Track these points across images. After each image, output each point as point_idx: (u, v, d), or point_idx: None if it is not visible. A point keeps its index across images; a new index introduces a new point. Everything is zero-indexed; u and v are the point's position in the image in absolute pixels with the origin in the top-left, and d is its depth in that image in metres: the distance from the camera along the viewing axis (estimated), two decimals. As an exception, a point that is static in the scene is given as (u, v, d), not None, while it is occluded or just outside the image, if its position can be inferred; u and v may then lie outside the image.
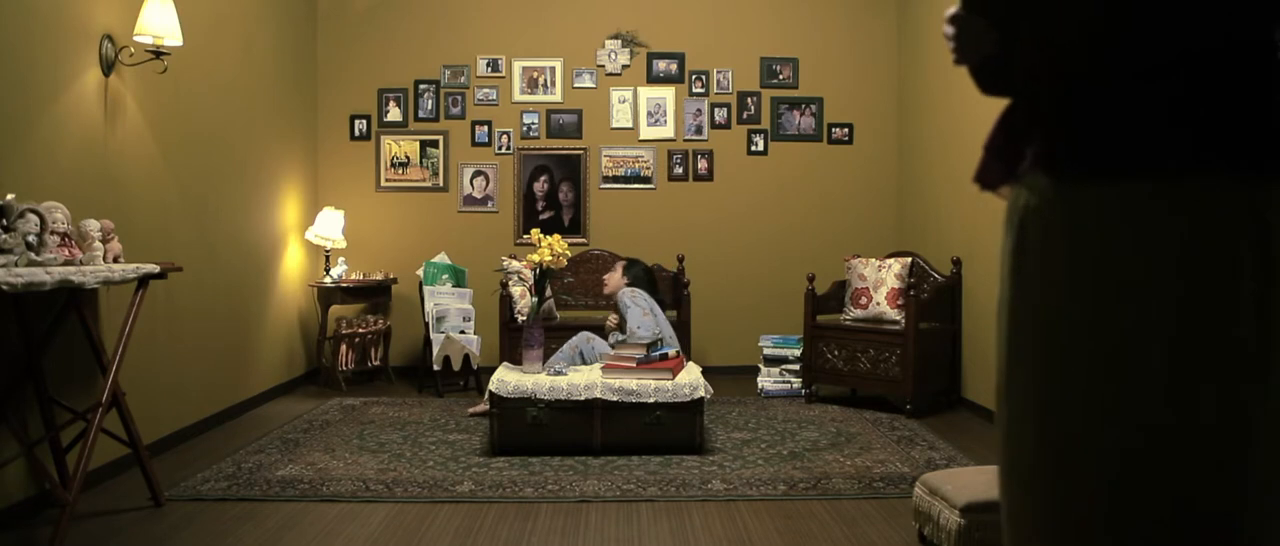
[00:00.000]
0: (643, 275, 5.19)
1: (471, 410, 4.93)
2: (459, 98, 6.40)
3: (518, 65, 6.40)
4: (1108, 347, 1.16)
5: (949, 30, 1.31)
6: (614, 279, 5.19)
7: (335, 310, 5.93)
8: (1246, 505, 1.12)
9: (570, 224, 6.44)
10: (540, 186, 6.45)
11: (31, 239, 2.82)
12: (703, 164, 6.46)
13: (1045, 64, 1.21)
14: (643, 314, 4.73)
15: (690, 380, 4.14)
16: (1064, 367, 1.20)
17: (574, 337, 4.89)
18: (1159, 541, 1.14)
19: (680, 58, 6.44)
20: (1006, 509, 1.28)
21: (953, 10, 1.30)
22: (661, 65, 6.45)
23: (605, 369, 4.30)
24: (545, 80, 6.42)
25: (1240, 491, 1.12)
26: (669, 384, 4.11)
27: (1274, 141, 1.11)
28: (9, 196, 2.86)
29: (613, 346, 4.74)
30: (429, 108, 6.39)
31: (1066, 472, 1.19)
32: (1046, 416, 1.21)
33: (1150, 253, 1.13)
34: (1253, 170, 1.11)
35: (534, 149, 6.43)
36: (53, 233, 2.93)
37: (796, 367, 5.54)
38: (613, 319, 5.03)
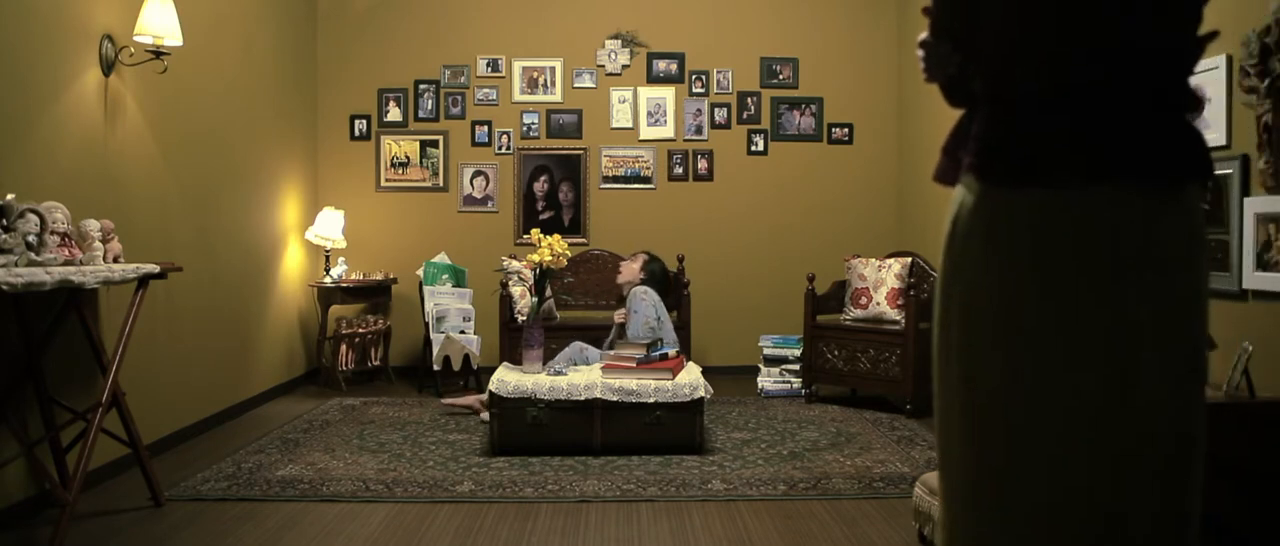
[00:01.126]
0: (659, 274, 5.16)
1: (447, 400, 4.95)
2: (459, 98, 6.40)
3: (518, 65, 6.40)
4: (1014, 327, 1.36)
5: (920, 52, 1.49)
6: (630, 269, 5.15)
7: (335, 310, 5.93)
8: (1133, 460, 1.32)
9: (570, 224, 6.44)
10: (540, 186, 6.45)
11: (31, 239, 2.82)
12: (703, 164, 6.46)
13: (981, 86, 1.42)
14: (645, 322, 4.71)
15: (690, 380, 4.14)
16: (981, 341, 1.39)
17: (567, 349, 4.84)
18: (1053, 496, 1.33)
19: (680, 58, 6.44)
20: (939, 456, 1.50)
21: (923, 35, 1.48)
22: (661, 65, 6.45)
23: (605, 369, 4.30)
24: (545, 80, 6.42)
25: (1125, 445, 1.32)
26: (669, 384, 4.11)
27: (1156, 159, 1.33)
28: (9, 196, 2.86)
29: (608, 349, 4.74)
30: (429, 108, 6.39)
31: (977, 433, 1.40)
32: (965, 384, 1.40)
33: (1055, 247, 1.33)
34: (1139, 181, 1.32)
35: (534, 149, 6.43)
36: (53, 233, 2.93)
37: (796, 367, 5.54)
38: (620, 314, 4.99)
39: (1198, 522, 1.35)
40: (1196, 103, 1.39)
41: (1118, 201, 1.31)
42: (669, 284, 5.24)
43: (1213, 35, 1.43)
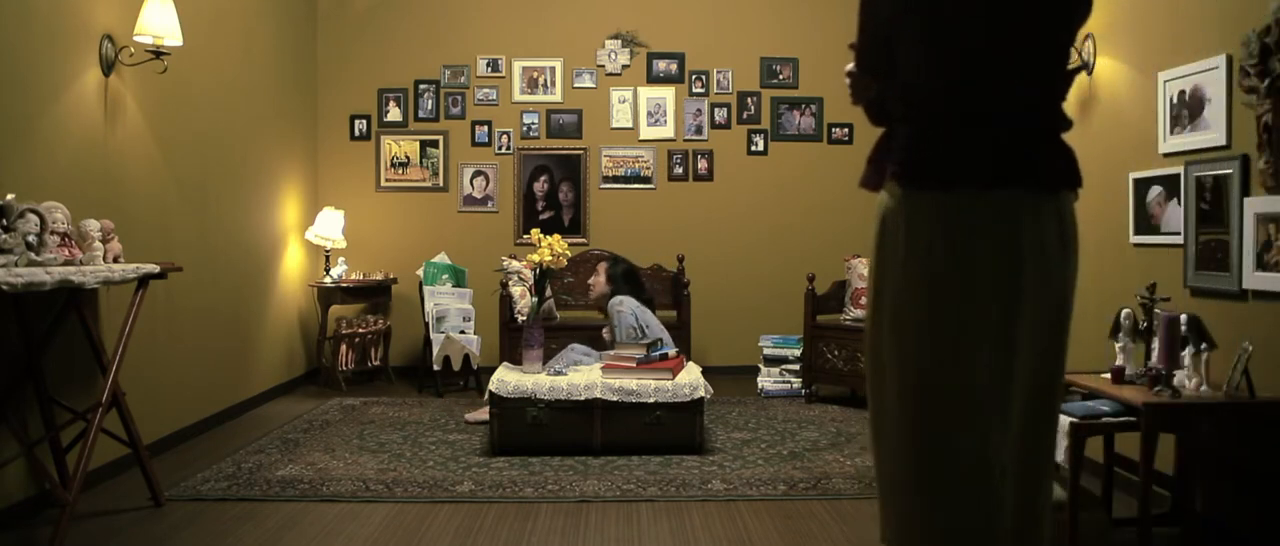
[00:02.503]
0: (624, 275, 5.08)
1: (470, 418, 4.78)
2: (459, 98, 6.40)
3: (518, 65, 6.40)
4: (936, 308, 1.65)
5: (847, 80, 1.83)
6: (598, 282, 5.10)
7: (335, 310, 5.93)
8: (999, 426, 1.65)
9: (570, 224, 6.44)
10: (540, 186, 6.45)
11: (31, 239, 2.82)
12: (703, 164, 6.46)
13: (900, 109, 1.74)
14: (630, 329, 4.68)
15: (690, 380, 4.14)
16: (908, 323, 1.69)
17: (563, 352, 4.81)
18: (936, 446, 1.66)
19: (680, 58, 6.44)
20: (872, 431, 1.84)
21: (849, 67, 1.83)
22: (661, 65, 6.45)
23: (605, 369, 4.30)
24: (545, 80, 6.42)
25: (1017, 391, 1.65)
26: (669, 384, 4.11)
27: (1041, 171, 1.67)
28: (9, 196, 2.86)
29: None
30: (429, 108, 6.39)
31: (910, 404, 1.70)
32: (899, 364, 1.71)
33: (962, 239, 1.64)
34: (1027, 188, 1.65)
35: (534, 149, 6.43)
36: (53, 233, 2.93)
37: (796, 367, 5.54)
38: (607, 331, 4.99)
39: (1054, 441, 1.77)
40: (1068, 123, 1.74)
41: (1011, 203, 1.64)
42: (638, 280, 5.15)
43: (1079, 68, 1.81)
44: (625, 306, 4.80)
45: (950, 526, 1.64)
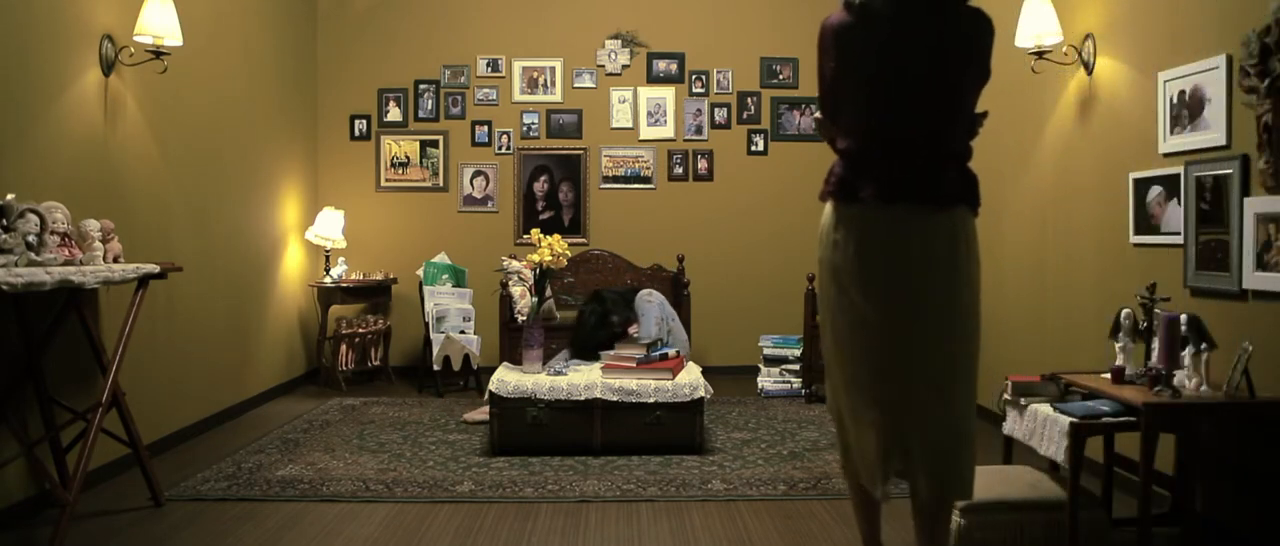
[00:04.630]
0: (621, 298, 5.24)
1: (468, 417, 4.79)
2: (459, 98, 6.40)
3: (518, 65, 6.40)
4: (847, 286, 2.27)
5: (814, 125, 2.62)
6: (635, 328, 5.10)
7: (335, 310, 5.93)
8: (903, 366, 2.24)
9: (570, 224, 6.44)
10: (540, 186, 6.45)
11: (31, 239, 2.82)
12: (703, 164, 6.46)
13: (841, 144, 2.34)
14: (656, 321, 4.74)
15: (690, 380, 4.14)
16: (832, 296, 2.32)
17: (562, 353, 4.83)
18: (860, 375, 2.29)
19: (680, 58, 6.44)
20: (825, 361, 2.48)
21: (816, 114, 2.52)
22: (661, 65, 6.45)
23: (605, 369, 4.30)
24: (545, 80, 6.42)
25: (909, 349, 2.23)
26: (669, 384, 4.11)
27: (929, 191, 2.21)
28: (9, 196, 2.86)
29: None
30: (429, 108, 6.39)
31: (836, 351, 2.36)
32: (830, 322, 2.36)
33: (868, 238, 2.24)
34: (918, 203, 2.21)
35: (534, 149, 6.43)
36: (53, 233, 2.93)
37: (796, 367, 5.54)
38: (634, 327, 5.03)
39: (973, 406, 2.27)
40: (969, 154, 2.30)
41: (906, 214, 2.21)
42: (626, 297, 5.33)
43: (985, 114, 2.34)
44: (655, 299, 4.84)
45: (844, 444, 2.44)
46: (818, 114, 2.45)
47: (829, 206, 2.32)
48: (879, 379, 2.24)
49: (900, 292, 2.21)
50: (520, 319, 5.49)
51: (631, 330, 5.04)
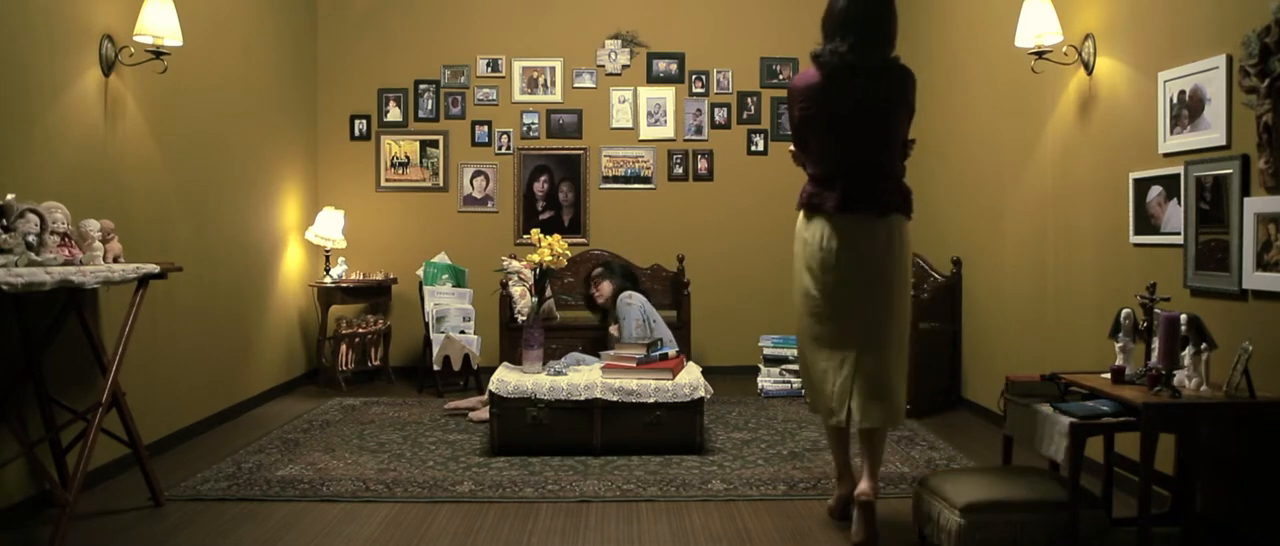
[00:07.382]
0: (624, 270, 5.42)
1: (449, 406, 4.99)
2: (459, 98, 6.40)
3: (518, 65, 6.41)
4: (813, 277, 3.03)
5: (790, 156, 3.24)
6: (605, 287, 5.30)
7: (335, 310, 5.93)
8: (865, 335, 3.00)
9: (570, 224, 6.44)
10: (540, 186, 6.45)
11: (31, 239, 2.82)
12: (703, 164, 6.46)
13: (810, 169, 3.10)
14: (637, 324, 4.76)
15: (690, 380, 4.14)
16: (799, 283, 3.09)
17: (564, 358, 4.83)
18: (821, 335, 3.05)
19: (680, 58, 6.44)
20: (796, 328, 3.20)
21: (791, 148, 3.21)
22: (661, 65, 6.45)
23: (605, 369, 4.30)
24: (545, 80, 6.42)
25: (859, 326, 3.00)
26: (669, 384, 4.11)
27: (873, 203, 2.97)
28: (9, 196, 2.86)
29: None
30: (429, 108, 6.40)
31: (803, 322, 3.13)
32: (800, 302, 3.11)
33: (828, 240, 2.98)
34: (865, 213, 2.96)
35: (534, 149, 6.43)
36: (53, 233, 2.93)
37: (796, 367, 5.54)
38: (614, 328, 5.06)
39: (905, 357, 3.07)
40: (902, 172, 3.08)
41: (858, 220, 2.96)
42: (634, 275, 5.49)
43: (913, 141, 3.14)
44: (635, 301, 4.86)
45: (810, 387, 3.15)
46: (792, 147, 3.19)
47: (801, 215, 3.11)
48: (835, 338, 2.99)
49: (852, 275, 2.96)
50: (520, 319, 5.49)
51: (613, 330, 5.07)
